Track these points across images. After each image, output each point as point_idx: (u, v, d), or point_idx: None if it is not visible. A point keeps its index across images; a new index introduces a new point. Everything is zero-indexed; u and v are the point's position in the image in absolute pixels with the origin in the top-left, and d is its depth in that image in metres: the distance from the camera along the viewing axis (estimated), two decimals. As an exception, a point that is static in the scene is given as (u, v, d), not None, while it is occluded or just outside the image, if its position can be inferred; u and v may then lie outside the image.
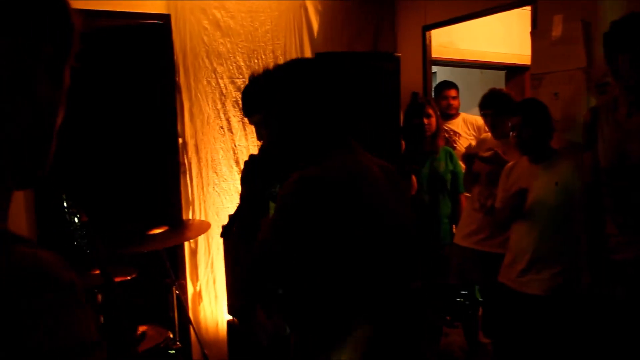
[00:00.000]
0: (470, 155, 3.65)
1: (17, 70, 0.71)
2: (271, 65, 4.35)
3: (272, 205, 2.32)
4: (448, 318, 4.49)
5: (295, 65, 1.71)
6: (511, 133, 3.12)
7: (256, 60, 4.36)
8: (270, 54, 4.40)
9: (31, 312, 0.57)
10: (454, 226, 4.00)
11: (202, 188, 4.22)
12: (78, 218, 1.65)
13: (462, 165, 3.86)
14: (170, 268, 3.34)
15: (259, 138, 2.48)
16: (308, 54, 4.49)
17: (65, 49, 0.79)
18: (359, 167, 1.61)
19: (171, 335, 2.97)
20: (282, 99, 1.62)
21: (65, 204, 1.66)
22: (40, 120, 0.77)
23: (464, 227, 3.74)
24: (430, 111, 3.95)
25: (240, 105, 4.29)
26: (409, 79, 4.57)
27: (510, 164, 3.29)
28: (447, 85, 4.89)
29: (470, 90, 6.08)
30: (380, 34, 4.84)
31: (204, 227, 3.44)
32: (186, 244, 4.17)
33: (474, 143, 4.30)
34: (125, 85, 4.09)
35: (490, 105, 3.66)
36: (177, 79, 4.09)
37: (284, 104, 1.62)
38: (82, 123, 3.97)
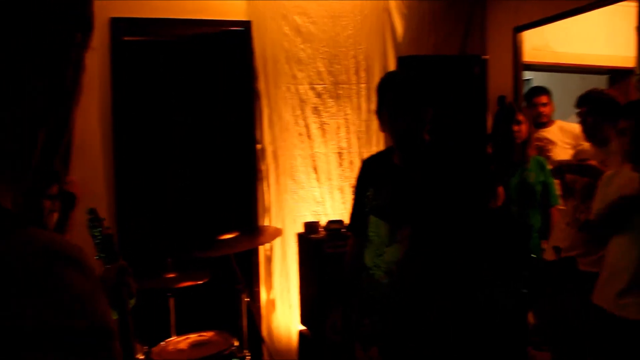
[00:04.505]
0: (558, 168, 3.36)
1: (54, 54, 0.71)
2: (353, 70, 4.28)
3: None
4: (536, 340, 4.17)
5: None
6: (618, 139, 2.80)
7: (337, 66, 4.27)
8: (352, 59, 4.30)
9: (58, 291, 0.56)
10: (543, 241, 3.69)
11: (280, 195, 4.18)
12: (100, 231, 1.61)
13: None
14: (240, 274, 3.30)
15: None
16: (391, 58, 4.35)
17: (89, 35, 0.79)
18: None
19: (236, 343, 2.90)
20: None
21: (88, 217, 1.64)
22: (65, 103, 0.77)
23: (556, 243, 3.43)
24: (521, 118, 3.69)
25: (320, 112, 4.27)
26: (499, 83, 4.31)
27: (608, 172, 2.96)
28: (538, 91, 4.55)
29: (568, 98, 5.62)
30: (469, 37, 4.59)
31: (276, 233, 3.38)
32: (261, 251, 4.14)
33: (571, 152, 3.96)
34: (206, 92, 4.14)
35: (586, 102, 3.34)
36: (257, 85, 4.09)
37: None
38: (163, 128, 4.07)
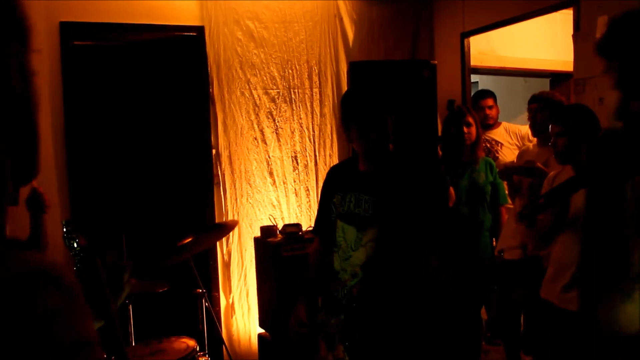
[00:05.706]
0: (505, 170, 3.51)
1: None
2: (306, 75, 4.34)
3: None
4: (488, 335, 4.32)
5: None
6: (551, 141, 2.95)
7: (290, 71, 4.32)
8: (305, 64, 4.36)
9: (34, 312, 0.60)
10: (494, 239, 3.82)
11: (236, 200, 4.19)
12: (77, 243, 1.60)
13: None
14: (199, 279, 3.30)
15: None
16: (343, 63, 4.43)
17: (27, 42, 0.78)
18: None
19: (197, 347, 2.90)
20: None
21: (64, 229, 1.62)
22: (25, 116, 0.77)
23: (505, 241, 3.57)
24: (470, 120, 3.80)
25: (274, 116, 4.30)
26: (447, 87, 4.44)
27: (553, 172, 3.10)
28: (483, 94, 4.71)
29: (513, 100, 5.87)
30: (418, 42, 4.73)
31: (231, 225, 3.38)
32: (219, 256, 4.14)
33: (516, 152, 4.12)
34: (160, 97, 4.11)
35: (537, 100, 3.52)
36: (210, 90, 4.10)
37: None
38: (116, 134, 4.02)
